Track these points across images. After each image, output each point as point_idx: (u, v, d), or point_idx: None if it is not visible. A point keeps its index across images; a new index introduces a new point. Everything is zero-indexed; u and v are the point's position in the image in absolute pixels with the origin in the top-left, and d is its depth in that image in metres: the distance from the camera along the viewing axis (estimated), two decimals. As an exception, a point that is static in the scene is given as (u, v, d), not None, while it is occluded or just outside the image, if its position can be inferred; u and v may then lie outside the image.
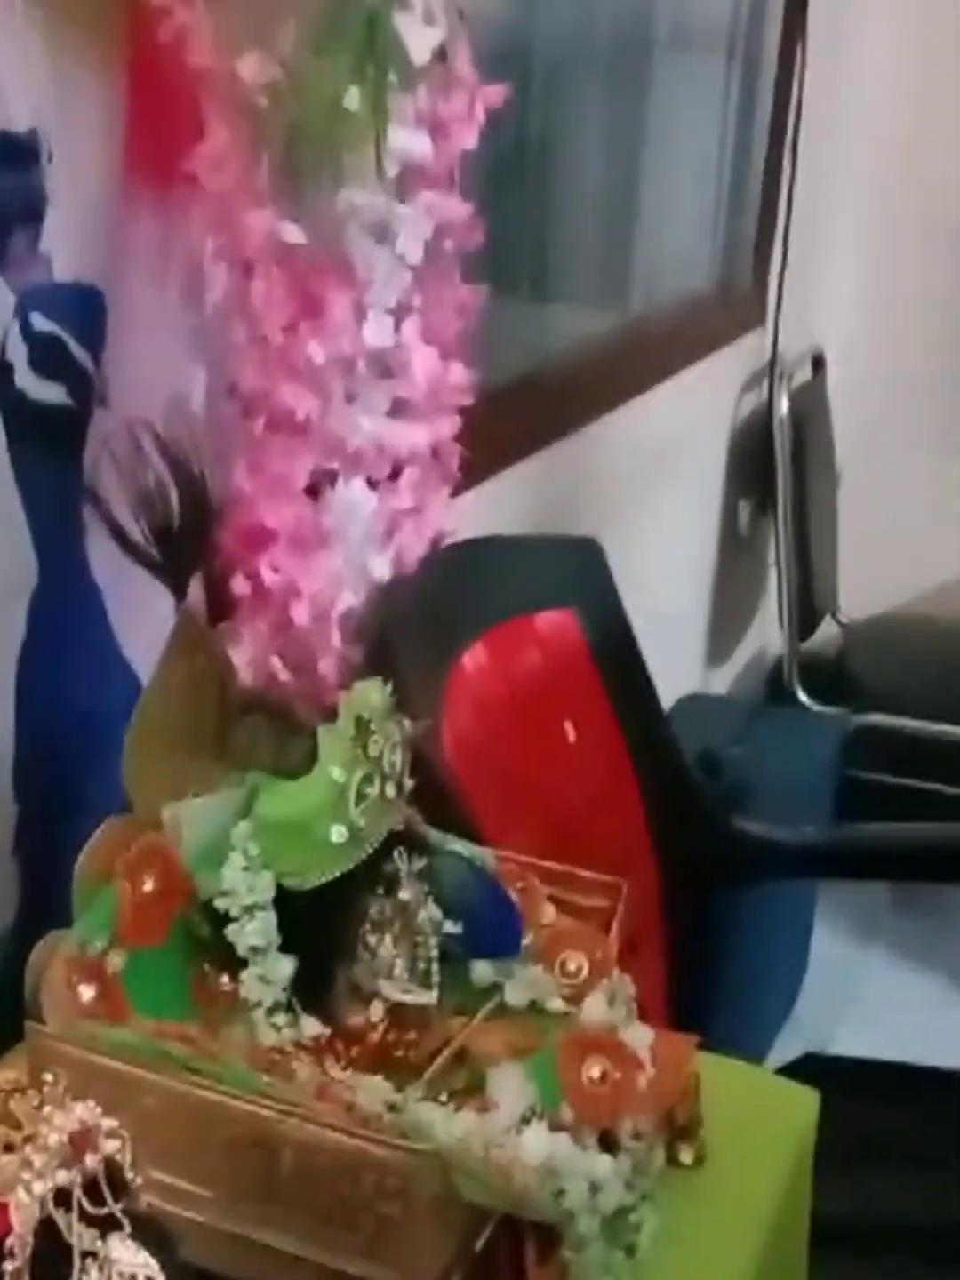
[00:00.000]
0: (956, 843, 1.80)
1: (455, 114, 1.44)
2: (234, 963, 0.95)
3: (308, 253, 1.31)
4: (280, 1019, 0.92)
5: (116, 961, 0.94)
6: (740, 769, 2.24)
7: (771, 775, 2.28)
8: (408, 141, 1.41)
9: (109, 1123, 0.63)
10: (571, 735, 1.64)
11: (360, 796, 0.92)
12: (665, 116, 2.42)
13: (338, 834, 0.91)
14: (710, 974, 1.72)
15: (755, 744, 2.43)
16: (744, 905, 1.86)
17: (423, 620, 1.49)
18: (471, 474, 1.80)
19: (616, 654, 1.70)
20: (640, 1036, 1.00)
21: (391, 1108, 0.87)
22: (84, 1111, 0.61)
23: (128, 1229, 0.62)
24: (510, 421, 1.89)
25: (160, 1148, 0.88)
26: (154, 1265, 0.62)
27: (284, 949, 0.94)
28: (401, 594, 1.57)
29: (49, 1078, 0.63)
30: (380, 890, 0.95)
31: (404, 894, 0.95)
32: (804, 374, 2.93)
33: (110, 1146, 0.63)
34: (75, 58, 1.14)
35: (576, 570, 1.72)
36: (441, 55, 1.41)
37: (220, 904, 0.94)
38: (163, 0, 1.15)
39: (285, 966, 0.93)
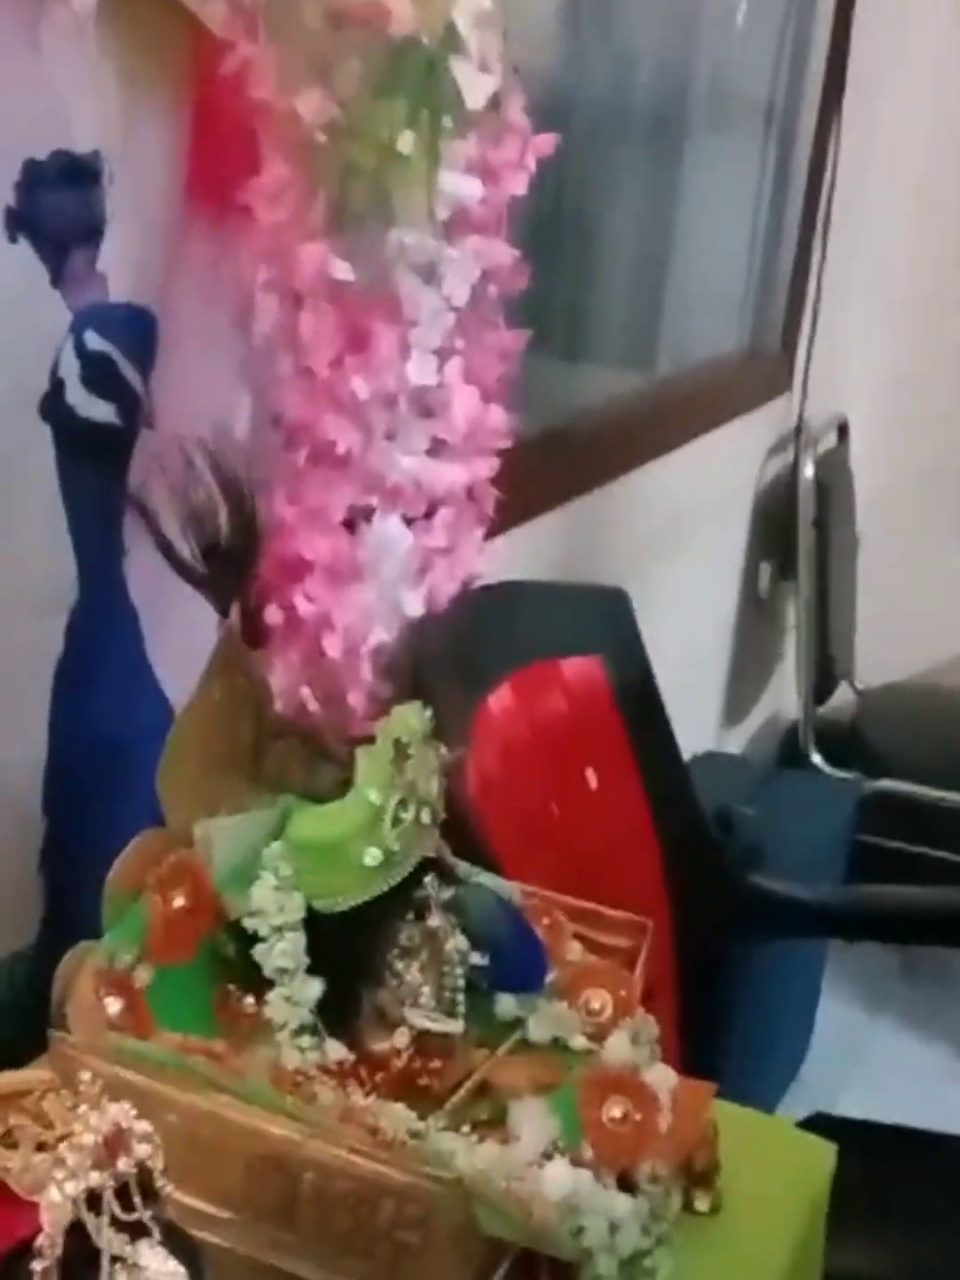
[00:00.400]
0: (968, 908, 1.80)
1: (506, 160, 1.46)
2: (259, 983, 0.95)
3: (356, 289, 1.32)
4: (305, 1041, 0.92)
5: (143, 976, 0.94)
6: (754, 829, 2.23)
7: (785, 837, 2.27)
8: (458, 185, 1.43)
9: (143, 1126, 0.62)
10: (593, 782, 1.64)
11: (396, 820, 0.91)
12: (700, 184, 2.45)
13: (372, 857, 0.91)
14: (720, 1028, 1.70)
15: (769, 805, 2.42)
16: (755, 962, 1.85)
17: (452, 659, 1.49)
18: (499, 521, 1.82)
19: (640, 703, 1.70)
20: (663, 1078, 0.99)
21: (414, 1135, 0.86)
22: (119, 1113, 0.61)
23: (158, 1236, 0.62)
24: (538, 472, 1.90)
25: (180, 1167, 0.87)
26: (183, 1275, 0.62)
27: (311, 971, 0.93)
28: (433, 632, 1.58)
29: (85, 1076, 0.63)
30: (410, 916, 0.95)
31: (433, 921, 0.95)
32: (829, 441, 2.94)
33: (143, 1151, 0.62)
34: (141, 85, 1.16)
35: (604, 618, 1.73)
36: (495, 103, 1.44)
37: (249, 924, 0.94)
38: (228, 33, 1.17)
39: (312, 989, 0.93)
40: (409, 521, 1.53)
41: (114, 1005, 0.91)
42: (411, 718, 0.94)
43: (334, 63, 1.29)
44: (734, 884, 1.73)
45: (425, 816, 0.94)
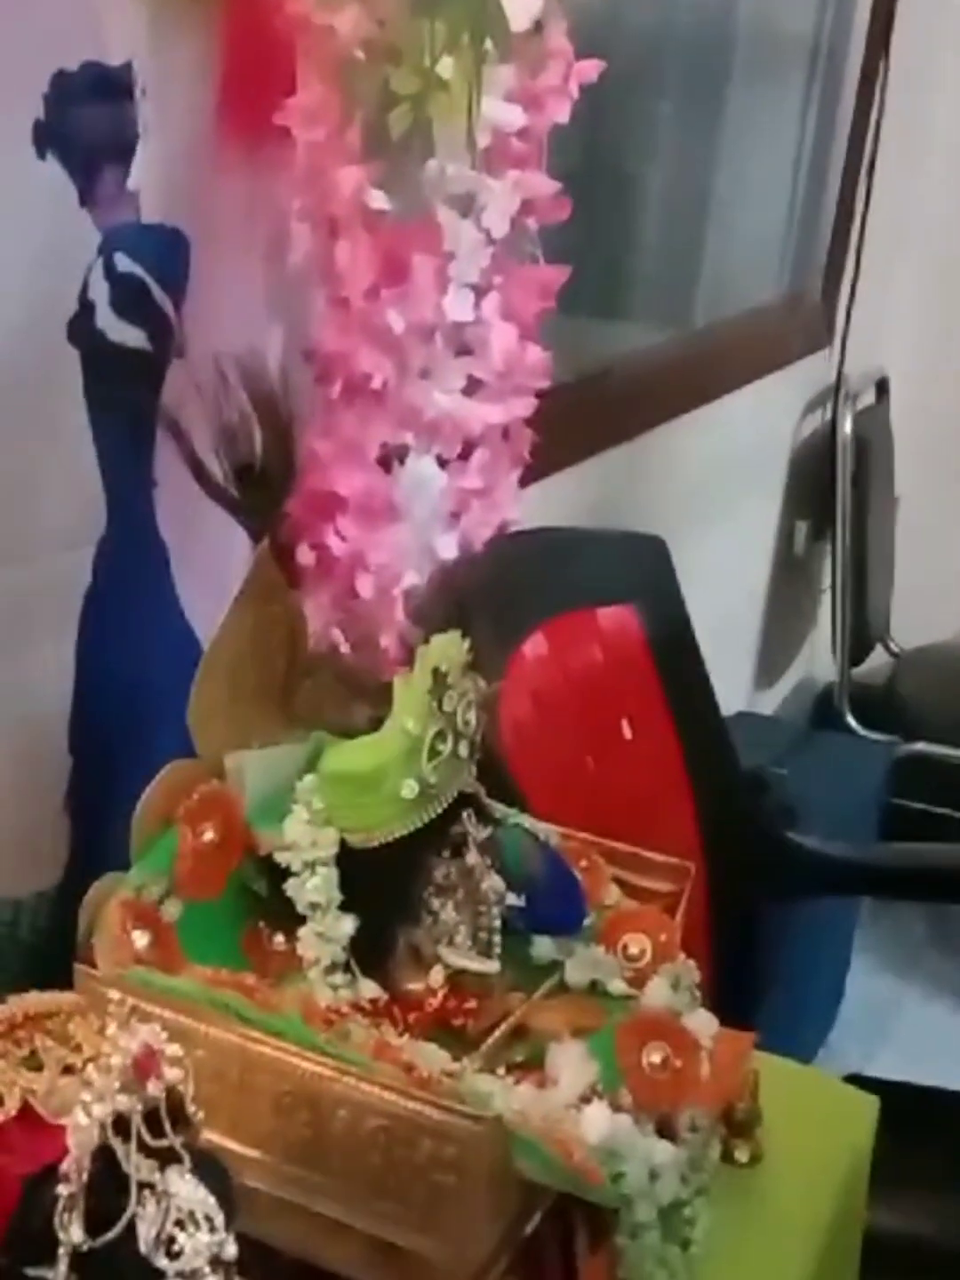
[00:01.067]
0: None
1: (548, 86, 1.42)
2: (289, 921, 0.92)
3: (392, 218, 1.28)
4: (337, 979, 0.89)
5: (172, 911, 0.91)
6: (787, 790, 2.20)
7: (817, 798, 2.24)
8: (500, 112, 1.39)
9: (174, 1050, 0.59)
10: (628, 732, 1.61)
11: (433, 752, 0.88)
12: (741, 126, 2.40)
13: (409, 789, 0.87)
14: (751, 988, 1.68)
15: (802, 766, 2.39)
16: (787, 924, 1.82)
17: (486, 604, 1.46)
18: (532, 468, 1.79)
19: (676, 654, 1.67)
20: (703, 1024, 0.97)
21: (448, 1076, 0.83)
22: (148, 1035, 0.58)
23: (188, 1163, 0.59)
24: (570, 420, 1.86)
25: (207, 1104, 0.85)
26: (212, 1203, 0.59)
27: (344, 908, 0.90)
28: (468, 575, 1.54)
29: (114, 996, 0.60)
30: (446, 852, 0.92)
31: (469, 858, 0.92)
32: (868, 398, 2.89)
33: (173, 1074, 0.59)
34: (174, -4, 1.12)
35: (641, 567, 1.69)
36: (537, 27, 1.39)
37: (281, 858, 0.91)
38: (265, -55, 1.13)
39: (345, 925, 0.90)
40: (443, 462, 1.50)
41: (142, 938, 0.88)
42: (451, 647, 0.91)
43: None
44: (768, 840, 1.70)
45: (463, 749, 0.91)
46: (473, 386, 1.49)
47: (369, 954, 0.91)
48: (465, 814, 0.92)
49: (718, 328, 2.46)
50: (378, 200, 1.27)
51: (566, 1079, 0.87)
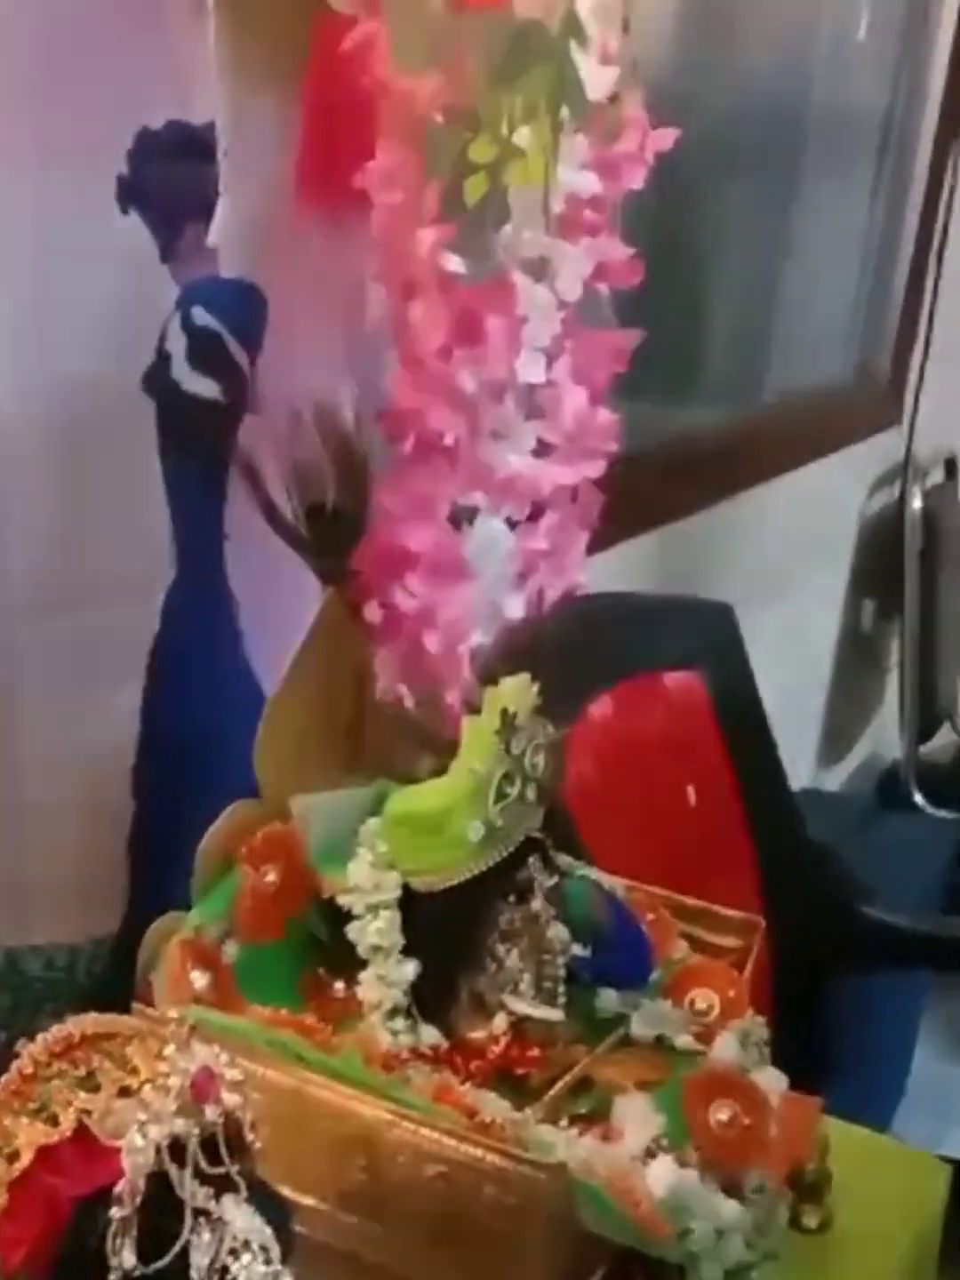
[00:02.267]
0: None
1: (624, 153, 1.43)
2: (350, 966, 0.91)
3: (466, 281, 1.29)
4: (398, 1024, 0.87)
5: (231, 953, 0.90)
6: (853, 865, 2.16)
7: (884, 874, 2.20)
8: (576, 179, 1.40)
9: (234, 1074, 0.58)
10: (692, 799, 1.59)
11: (500, 795, 0.87)
12: (811, 207, 2.41)
13: (475, 831, 0.86)
14: (816, 1061, 1.64)
15: (868, 842, 2.36)
16: (854, 996, 1.78)
17: (553, 666, 1.46)
18: (605, 534, 1.79)
19: (743, 721, 1.66)
20: (772, 1081, 0.94)
21: (510, 1124, 0.82)
22: (207, 1056, 0.57)
23: (244, 1192, 0.58)
24: (638, 490, 1.87)
25: (264, 1148, 0.84)
26: (269, 1234, 0.57)
27: (406, 952, 0.89)
28: (535, 636, 1.54)
29: (173, 1015, 0.59)
30: (512, 898, 0.90)
31: (535, 904, 0.90)
32: (937, 476, 2.88)
33: (232, 1100, 0.58)
34: (259, 58, 1.13)
35: (708, 633, 1.68)
36: (614, 98, 1.41)
37: (343, 901, 0.90)
38: (348, 9, 1.15)
39: (407, 969, 0.88)
40: (513, 524, 1.50)
41: (200, 979, 0.87)
42: (521, 690, 0.90)
43: (454, 45, 1.27)
44: (833, 910, 1.67)
45: (531, 793, 0.89)
46: (543, 448, 1.49)
47: (431, 1000, 0.90)
48: (532, 859, 0.90)
49: (788, 404, 2.46)
50: (453, 263, 1.28)
51: (631, 1132, 0.86)
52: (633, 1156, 0.84)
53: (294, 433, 0.92)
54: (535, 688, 0.93)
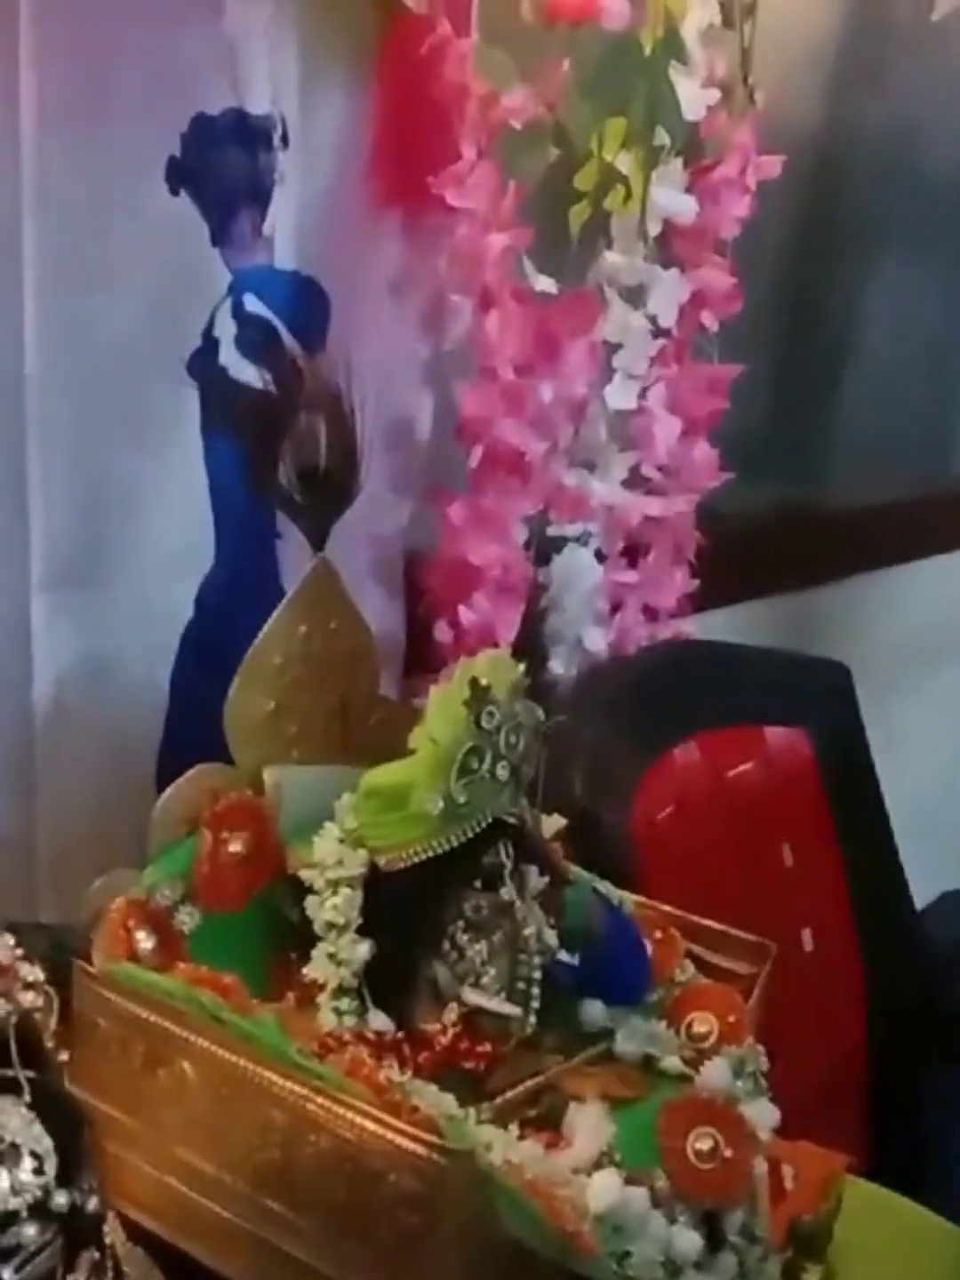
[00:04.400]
0: None
1: (725, 179, 1.39)
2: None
3: (547, 296, 1.26)
4: (344, 1004, 0.82)
5: (188, 919, 0.86)
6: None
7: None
8: (673, 202, 1.36)
9: (35, 973, 0.54)
10: (788, 858, 1.50)
11: (464, 769, 0.82)
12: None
13: (432, 804, 0.81)
14: (910, 1150, 1.52)
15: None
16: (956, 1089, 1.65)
17: (635, 704, 1.40)
18: (728, 594, 1.72)
19: (851, 785, 1.56)
20: (763, 1115, 0.86)
21: (450, 1119, 0.75)
22: (3, 950, 0.53)
23: (28, 1097, 0.53)
24: (768, 550, 1.81)
25: (190, 1122, 0.79)
26: (48, 1145, 0.52)
27: (365, 933, 0.84)
28: (618, 672, 1.48)
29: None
30: (478, 884, 0.84)
31: (505, 893, 0.84)
32: None
33: (29, 998, 0.54)
34: (325, 53, 1.12)
35: (820, 691, 1.59)
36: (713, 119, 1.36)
37: (305, 875, 0.85)
38: (424, 10, 1.13)
39: (360, 949, 0.83)
40: (602, 557, 1.45)
41: (146, 941, 0.83)
42: (499, 665, 0.85)
43: (542, 55, 1.25)
44: (942, 995, 1.55)
45: (502, 772, 0.84)
46: (635, 480, 1.44)
47: (386, 985, 0.84)
48: (502, 844, 0.84)
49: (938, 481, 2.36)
50: (543, 284, 1.25)
51: (580, 1141, 0.79)
52: (575, 1167, 0.77)
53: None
54: (522, 667, 0.87)
